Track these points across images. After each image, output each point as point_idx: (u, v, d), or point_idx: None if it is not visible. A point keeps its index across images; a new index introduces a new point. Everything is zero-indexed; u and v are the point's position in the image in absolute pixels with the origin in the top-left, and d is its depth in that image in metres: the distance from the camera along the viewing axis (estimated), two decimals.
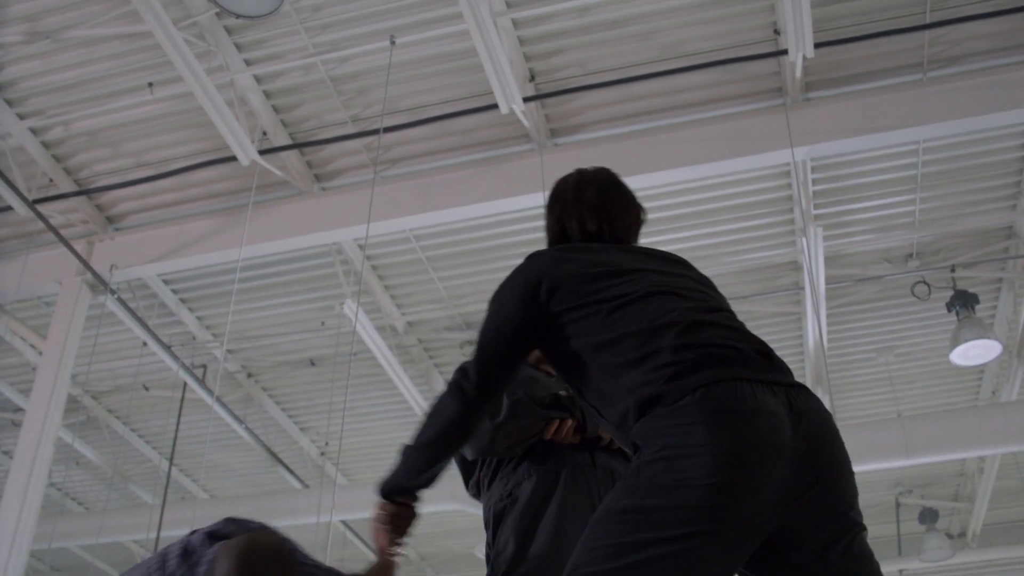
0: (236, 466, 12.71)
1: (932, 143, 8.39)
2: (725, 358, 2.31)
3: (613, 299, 2.49)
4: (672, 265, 2.73)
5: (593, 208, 2.91)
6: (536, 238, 9.03)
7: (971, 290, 9.51)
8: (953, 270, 9.44)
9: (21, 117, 8.45)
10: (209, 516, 10.60)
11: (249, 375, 11.14)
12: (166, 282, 9.85)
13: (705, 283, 2.71)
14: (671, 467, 2.14)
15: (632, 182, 8.11)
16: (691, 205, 8.95)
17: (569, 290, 2.55)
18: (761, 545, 2.22)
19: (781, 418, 2.21)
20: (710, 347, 2.33)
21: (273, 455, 11.49)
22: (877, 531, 13.32)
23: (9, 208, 8.78)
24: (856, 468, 8.29)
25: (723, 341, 2.37)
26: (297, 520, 10.85)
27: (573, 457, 3.02)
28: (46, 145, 8.78)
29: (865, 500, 9.30)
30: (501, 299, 2.70)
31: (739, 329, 2.47)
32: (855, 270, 9.57)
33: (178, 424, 10.52)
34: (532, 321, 2.59)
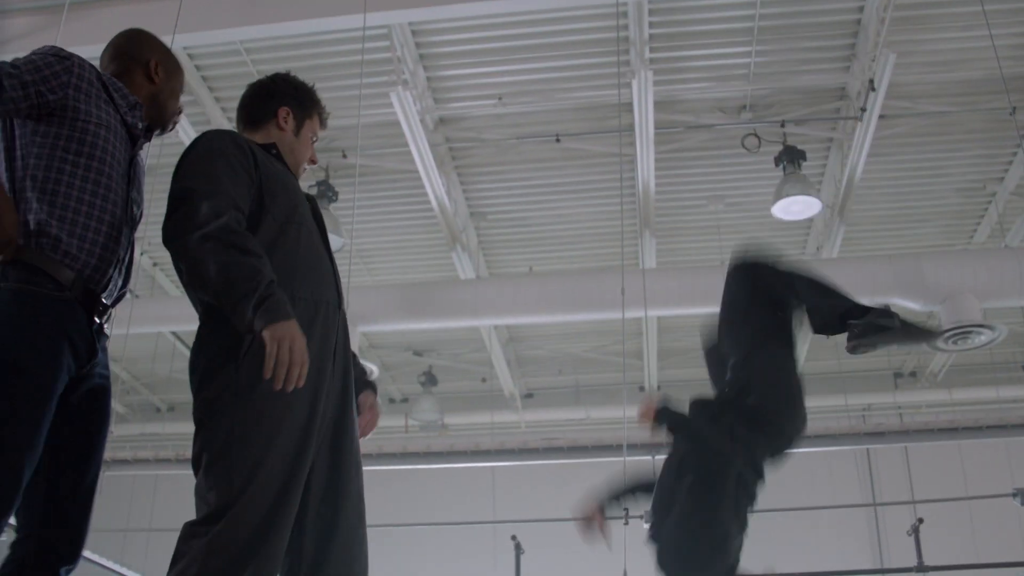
0: None
1: None
2: None
3: None
4: None
5: None
6: (370, 59, 8.83)
7: (800, 147, 9.61)
8: (783, 125, 9.51)
9: None
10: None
11: None
12: None
13: None
14: None
15: (460, 9, 7.99)
16: (524, 38, 8.82)
17: None
18: None
19: None
20: None
21: None
22: (700, 373, 13.80)
23: None
24: (678, 311, 8.55)
25: None
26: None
27: None
28: None
29: (691, 343, 9.59)
30: None
31: None
32: (688, 117, 9.60)
33: None
34: None
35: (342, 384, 2.91)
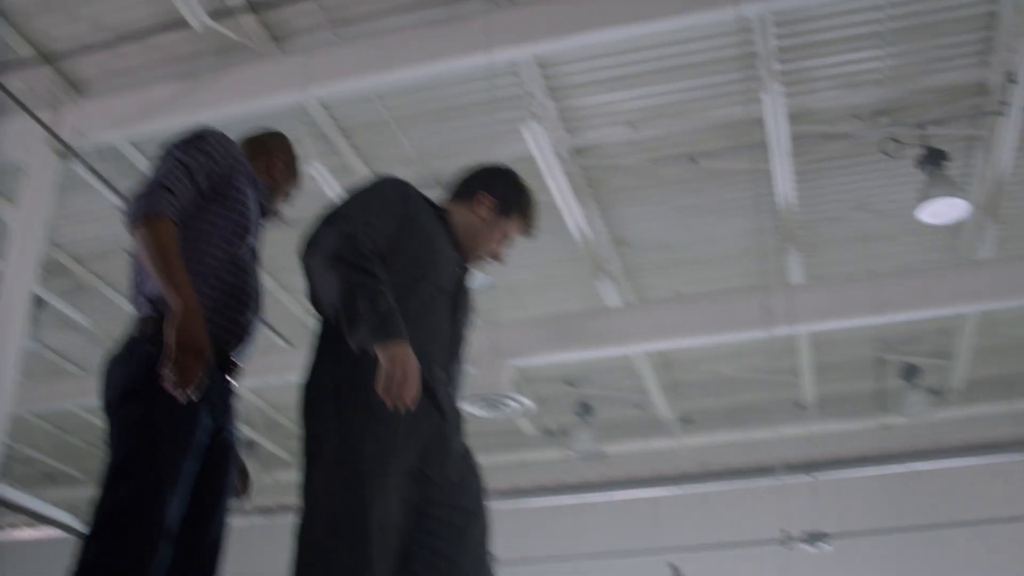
0: None
1: None
2: None
3: None
4: None
5: None
6: (500, 96, 9.04)
7: (941, 148, 9.39)
8: (923, 127, 9.32)
9: None
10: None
11: None
12: (135, 146, 9.92)
13: None
14: None
15: (586, 39, 8.14)
16: (651, 62, 8.87)
17: None
18: None
19: None
20: None
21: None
22: (859, 387, 13.53)
23: None
24: (829, 325, 8.50)
25: None
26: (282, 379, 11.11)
27: None
28: (2, 12, 8.77)
29: (847, 356, 9.58)
30: None
31: None
32: (823, 127, 9.49)
33: None
34: None
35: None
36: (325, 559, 2.54)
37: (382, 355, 2.60)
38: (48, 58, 9.12)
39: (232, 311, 2.89)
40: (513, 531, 14.46)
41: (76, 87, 9.50)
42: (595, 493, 11.38)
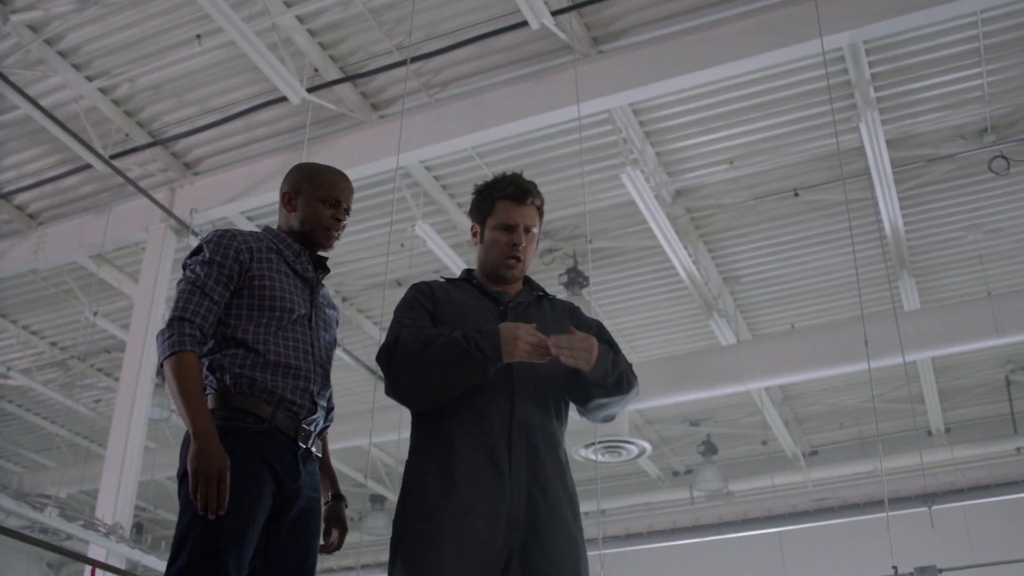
0: (341, 385, 13.22)
1: (991, 13, 8.07)
2: None
3: None
4: None
5: None
6: (596, 144, 9.15)
7: None
8: None
9: (89, 79, 8.91)
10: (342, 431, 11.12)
11: (344, 299, 11.59)
12: (249, 219, 10.27)
13: None
14: None
15: (678, 83, 8.18)
16: (744, 100, 8.87)
17: None
18: None
19: None
20: None
21: (374, 373, 11.92)
22: (990, 410, 13.15)
23: (89, 166, 9.32)
24: (950, 349, 8.33)
25: None
26: (404, 434, 11.30)
27: None
28: (116, 102, 9.25)
29: (974, 379, 9.37)
30: None
31: None
32: (927, 150, 9.34)
33: None
34: None
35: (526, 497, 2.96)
36: None
37: (505, 334, 2.92)
38: (161, 141, 9.53)
39: (289, 386, 3.02)
40: (641, 572, 14.45)
41: (188, 166, 9.92)
42: (721, 534, 11.22)
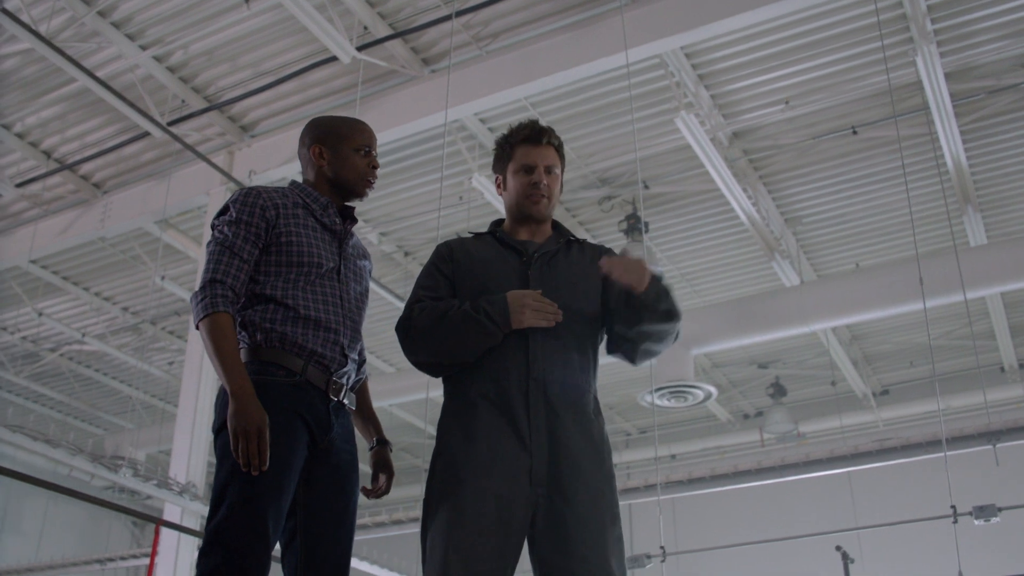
0: None
1: None
2: None
3: None
4: None
5: None
6: (650, 90, 9.08)
7: None
8: None
9: (143, 48, 9.02)
10: (402, 387, 11.48)
11: (406, 254, 11.67)
12: None
13: None
14: None
15: (728, 24, 8.07)
16: (798, 38, 8.72)
17: None
18: None
19: None
20: None
21: None
22: None
23: (148, 134, 9.47)
24: (1019, 285, 8.07)
25: None
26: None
27: None
28: (171, 69, 9.36)
29: None
30: None
31: None
32: (988, 81, 9.12)
33: None
34: None
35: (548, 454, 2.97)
36: None
37: (512, 302, 3.02)
38: (217, 106, 9.64)
39: (320, 339, 3.07)
40: (712, 516, 14.46)
41: (245, 129, 10.03)
42: (781, 476, 11.12)
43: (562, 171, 3.32)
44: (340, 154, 3.26)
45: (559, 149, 3.30)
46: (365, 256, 3.40)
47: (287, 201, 3.18)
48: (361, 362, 3.29)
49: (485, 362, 3.03)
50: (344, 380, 3.12)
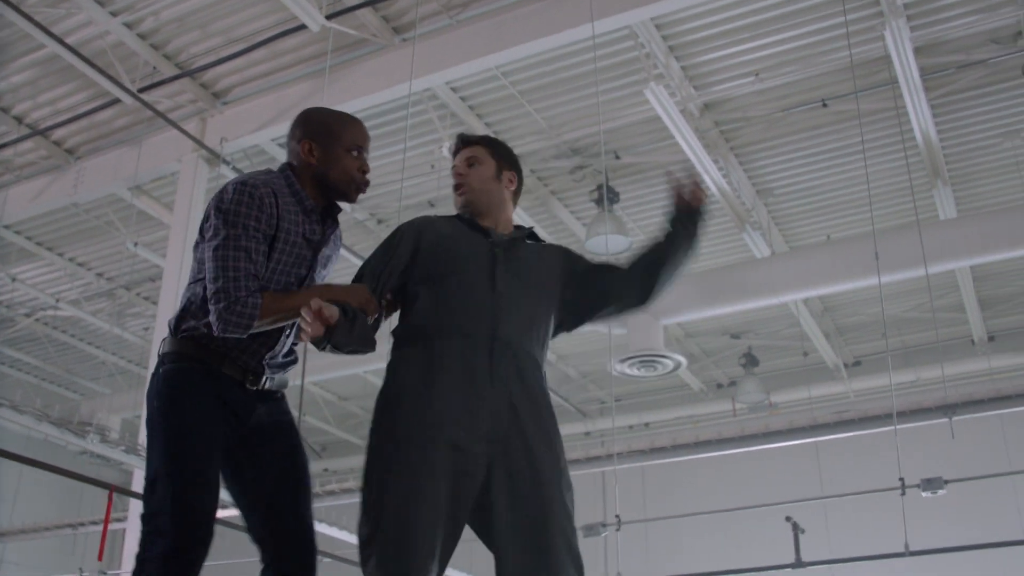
0: None
1: None
2: None
3: None
4: None
5: None
6: (620, 60, 9.10)
7: None
8: None
9: (113, 14, 8.99)
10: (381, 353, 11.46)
11: (379, 221, 11.70)
12: (280, 146, 10.36)
13: None
14: None
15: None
16: (768, 11, 8.75)
17: None
18: None
19: None
20: None
21: None
22: None
23: (120, 100, 9.47)
24: (987, 258, 8.20)
25: None
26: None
27: None
28: (142, 36, 9.33)
29: (1015, 288, 8.97)
30: None
31: None
32: (957, 56, 9.17)
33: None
34: None
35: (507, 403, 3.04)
36: None
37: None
38: (188, 73, 9.63)
39: (251, 352, 3.06)
40: (682, 484, 14.56)
41: (217, 96, 10.02)
42: (744, 446, 11.19)
43: (497, 158, 3.43)
44: (332, 154, 3.18)
45: (479, 143, 3.45)
46: (339, 246, 3.40)
47: (276, 189, 3.13)
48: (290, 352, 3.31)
49: (450, 316, 3.08)
50: (269, 369, 3.15)
